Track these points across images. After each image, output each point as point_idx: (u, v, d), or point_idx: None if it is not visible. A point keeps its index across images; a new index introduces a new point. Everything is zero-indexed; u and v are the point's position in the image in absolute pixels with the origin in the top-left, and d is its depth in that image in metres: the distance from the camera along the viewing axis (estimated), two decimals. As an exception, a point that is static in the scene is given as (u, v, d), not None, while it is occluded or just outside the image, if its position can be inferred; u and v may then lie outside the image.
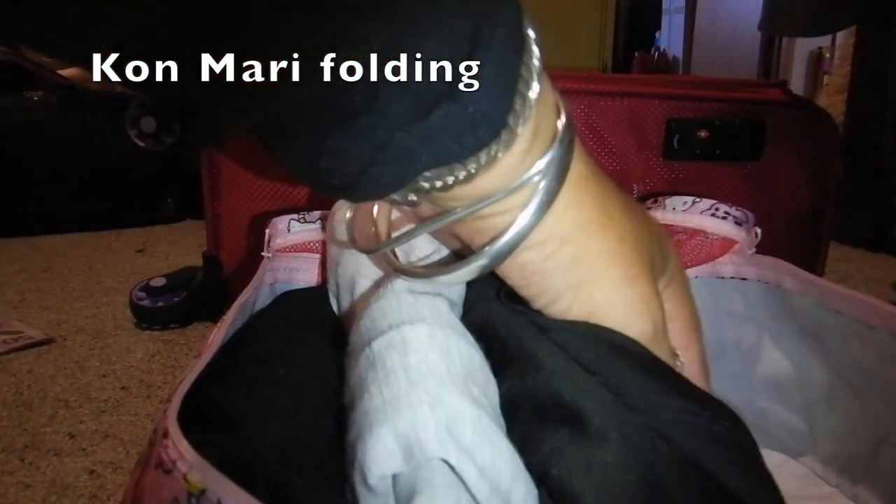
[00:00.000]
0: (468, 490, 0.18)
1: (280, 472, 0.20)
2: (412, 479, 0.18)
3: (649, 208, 0.42)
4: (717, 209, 0.38)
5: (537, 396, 0.20)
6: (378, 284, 0.24)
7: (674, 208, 0.40)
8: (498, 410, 0.21)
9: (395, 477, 0.19)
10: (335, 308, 0.30)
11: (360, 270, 0.27)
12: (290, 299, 0.32)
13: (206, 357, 0.24)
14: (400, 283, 0.23)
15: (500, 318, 0.23)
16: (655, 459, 0.18)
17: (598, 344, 0.21)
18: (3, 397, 0.64)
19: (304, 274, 0.34)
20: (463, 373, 0.20)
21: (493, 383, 0.21)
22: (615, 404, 0.19)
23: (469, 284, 0.26)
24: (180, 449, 0.19)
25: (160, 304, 0.79)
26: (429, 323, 0.21)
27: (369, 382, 0.20)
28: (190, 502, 0.19)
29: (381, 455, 0.18)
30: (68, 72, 1.26)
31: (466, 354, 0.21)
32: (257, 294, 0.32)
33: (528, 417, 0.20)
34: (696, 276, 0.39)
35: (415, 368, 0.19)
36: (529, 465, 0.19)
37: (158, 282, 0.80)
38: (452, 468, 0.18)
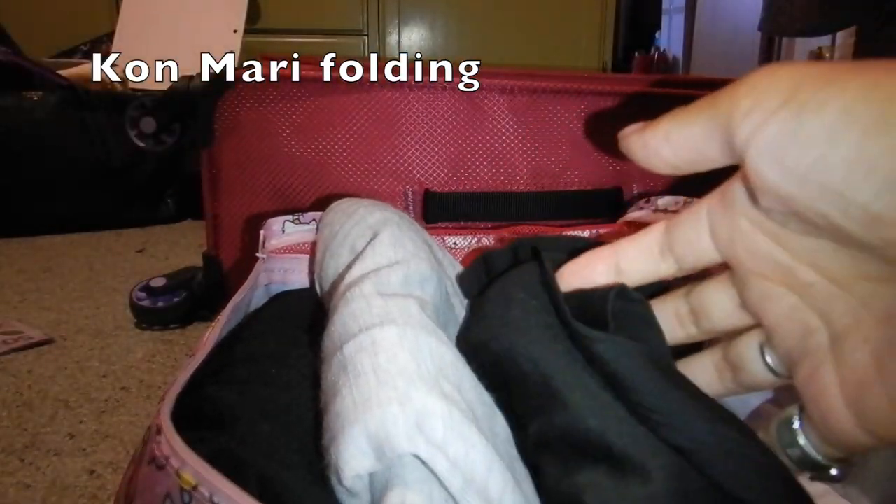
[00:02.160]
0: (441, 484, 0.18)
1: (271, 468, 0.20)
2: (386, 477, 0.18)
3: (642, 208, 0.42)
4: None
5: (569, 435, 0.20)
6: (347, 287, 0.24)
7: (666, 208, 0.40)
8: (474, 405, 0.21)
9: (371, 476, 0.19)
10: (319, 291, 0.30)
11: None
12: (284, 300, 0.32)
13: (201, 356, 0.25)
14: (369, 287, 0.23)
15: (525, 350, 0.22)
16: (693, 491, 0.18)
17: (637, 356, 0.20)
18: (3, 397, 0.64)
19: (299, 275, 0.34)
20: (434, 370, 0.20)
21: (468, 378, 0.21)
22: (646, 436, 0.19)
23: (487, 301, 0.25)
24: (173, 445, 0.19)
25: (160, 304, 0.79)
26: (399, 324, 0.21)
27: (340, 385, 0.20)
28: (182, 498, 0.19)
29: (353, 455, 0.18)
30: (68, 72, 1.26)
31: (437, 352, 0.21)
32: (251, 294, 0.32)
33: (561, 455, 0.20)
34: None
35: (384, 368, 0.19)
36: (558, 495, 0.19)
37: (158, 282, 0.80)
38: (425, 463, 0.18)
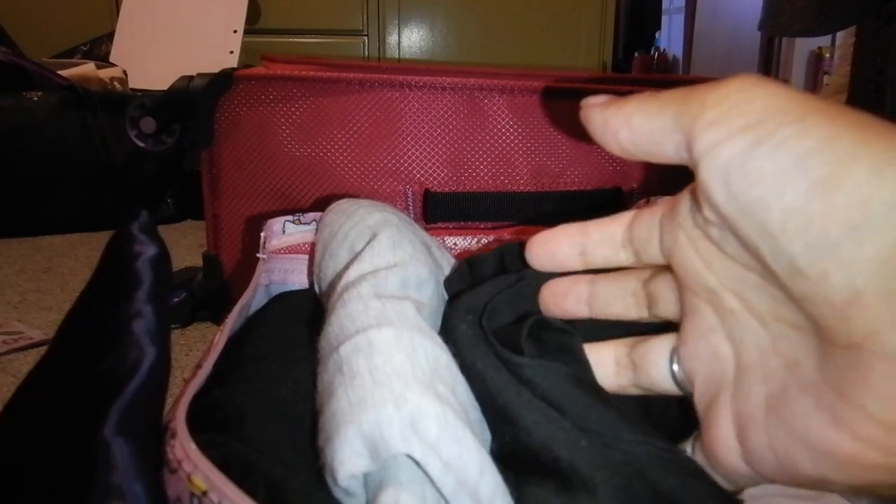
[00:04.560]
0: (434, 485, 0.18)
1: (277, 471, 0.20)
2: (380, 477, 0.18)
3: (641, 208, 0.42)
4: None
5: (517, 453, 0.20)
6: (344, 288, 0.24)
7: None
8: (467, 408, 0.21)
9: (365, 476, 0.19)
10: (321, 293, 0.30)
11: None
12: (286, 300, 0.32)
13: (212, 359, 0.25)
14: (366, 288, 0.23)
15: (473, 366, 0.22)
16: (640, 502, 0.19)
17: (563, 378, 0.21)
18: (3, 397, 0.64)
19: (299, 275, 0.35)
20: (429, 372, 0.20)
21: (462, 382, 0.22)
22: (592, 448, 0.19)
23: (452, 326, 0.25)
24: (186, 450, 0.19)
25: (160, 304, 0.79)
26: (395, 326, 0.21)
27: (336, 386, 0.20)
28: (192, 502, 0.19)
29: (348, 456, 0.18)
30: (68, 72, 1.26)
31: (432, 355, 0.21)
32: (254, 296, 0.32)
33: (513, 472, 0.20)
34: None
35: (380, 370, 0.19)
36: None
37: (158, 282, 0.80)
38: (418, 464, 0.18)
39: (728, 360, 0.20)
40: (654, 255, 0.23)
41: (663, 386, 0.23)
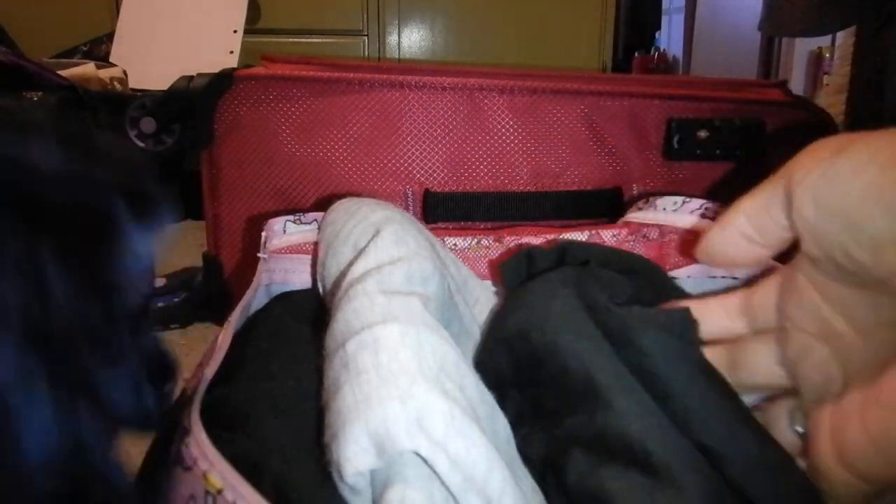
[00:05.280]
0: (442, 482, 0.18)
1: (282, 468, 0.20)
2: (386, 474, 0.18)
3: (641, 208, 0.42)
4: (706, 209, 0.38)
5: (607, 435, 0.20)
6: (350, 285, 0.24)
7: (664, 208, 0.40)
8: (475, 404, 0.21)
9: (372, 473, 0.19)
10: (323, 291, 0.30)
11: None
12: (287, 300, 0.32)
13: (219, 357, 0.25)
14: (371, 284, 0.23)
15: (570, 346, 0.22)
16: None
17: (681, 354, 0.21)
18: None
19: (300, 275, 0.34)
20: (435, 368, 0.20)
21: (470, 377, 0.21)
22: (687, 449, 0.19)
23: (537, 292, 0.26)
24: (202, 448, 0.19)
25: (160, 304, 0.79)
26: (401, 322, 0.21)
27: (342, 383, 0.20)
28: (206, 500, 0.19)
29: (354, 453, 0.18)
30: (68, 72, 1.26)
31: (439, 350, 0.21)
32: (255, 296, 0.32)
33: (594, 453, 0.20)
34: (689, 276, 0.39)
35: (385, 367, 0.19)
36: (583, 491, 0.19)
37: (158, 282, 0.80)
38: (425, 461, 0.18)
39: (837, 381, 0.23)
40: (767, 316, 0.26)
41: (789, 442, 0.25)
